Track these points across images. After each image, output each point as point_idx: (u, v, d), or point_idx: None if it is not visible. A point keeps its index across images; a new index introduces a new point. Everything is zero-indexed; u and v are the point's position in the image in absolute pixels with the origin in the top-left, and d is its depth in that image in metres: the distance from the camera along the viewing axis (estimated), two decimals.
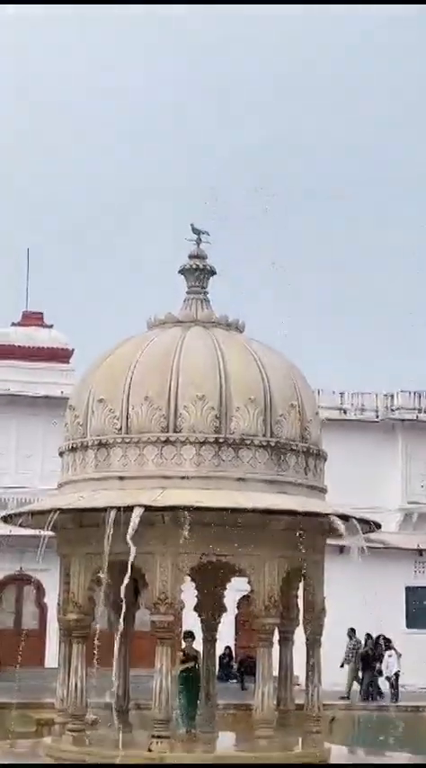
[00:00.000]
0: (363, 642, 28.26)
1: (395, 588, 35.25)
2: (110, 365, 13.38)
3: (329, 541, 13.94)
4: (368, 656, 28.18)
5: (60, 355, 37.58)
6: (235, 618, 31.60)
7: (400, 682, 28.35)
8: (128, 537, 11.73)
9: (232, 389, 12.84)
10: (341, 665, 27.65)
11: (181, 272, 14.43)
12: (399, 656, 28.32)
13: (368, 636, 28.06)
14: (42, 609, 34.11)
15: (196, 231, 14.47)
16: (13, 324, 39.02)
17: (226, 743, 14.19)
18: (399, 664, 28.20)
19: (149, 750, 12.17)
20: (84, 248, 60.43)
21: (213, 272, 14.42)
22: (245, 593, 13.29)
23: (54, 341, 38.15)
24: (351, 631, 27.52)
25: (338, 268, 61.23)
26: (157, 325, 13.92)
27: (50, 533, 13.46)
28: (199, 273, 14.35)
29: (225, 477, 12.66)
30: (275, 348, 13.84)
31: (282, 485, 12.92)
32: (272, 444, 12.90)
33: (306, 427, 13.35)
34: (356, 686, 27.95)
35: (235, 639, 32.61)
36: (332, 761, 13.27)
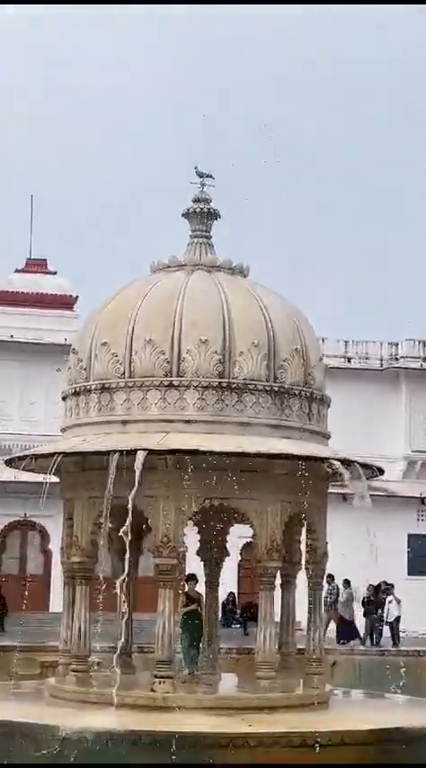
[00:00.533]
0: (340, 588, 28.26)
1: (398, 536, 35.46)
2: (113, 309, 13.34)
3: (333, 489, 13.98)
4: (370, 602, 28.39)
5: (64, 302, 37.52)
6: (238, 565, 31.84)
7: (401, 627, 28.60)
8: (136, 479, 11.75)
9: (236, 334, 12.82)
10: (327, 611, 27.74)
11: (185, 215, 14.34)
12: (398, 601, 28.51)
13: (345, 582, 27.98)
14: (47, 555, 34.34)
15: (200, 174, 14.35)
16: (17, 270, 38.92)
17: (228, 684, 14.34)
18: (399, 609, 28.41)
19: (152, 690, 12.30)
20: (87, 196, 60.21)
21: (217, 216, 14.33)
22: (248, 540, 13.35)
23: (58, 288, 38.06)
24: (329, 578, 27.53)
25: (344, 223, 61.00)
26: (161, 269, 13.86)
27: (54, 479, 13.49)
28: (202, 217, 14.25)
29: (228, 421, 12.68)
30: (279, 293, 13.77)
31: (285, 429, 12.93)
32: (276, 389, 12.90)
33: (309, 372, 13.34)
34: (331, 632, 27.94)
35: (238, 586, 32.88)
36: (333, 703, 13.39)
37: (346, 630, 27.97)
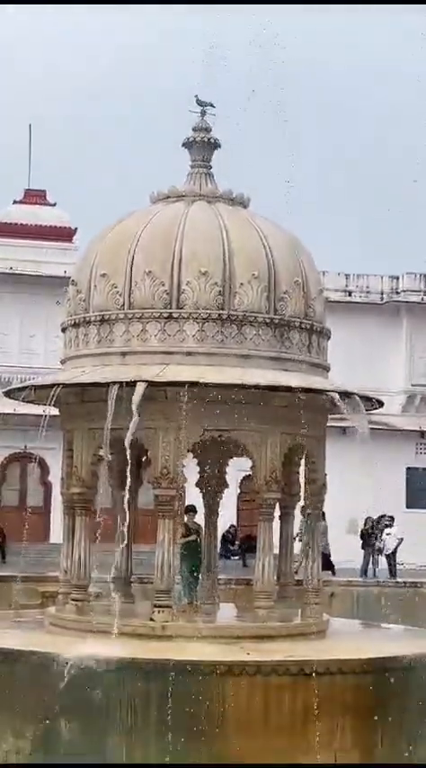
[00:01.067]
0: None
1: (397, 469, 35.75)
2: (112, 240, 13.25)
3: (332, 423, 14.03)
4: (368, 535, 28.67)
5: (63, 234, 37.29)
6: (237, 497, 32.06)
7: (398, 560, 28.91)
8: (134, 409, 11.77)
9: (236, 265, 12.76)
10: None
11: (185, 145, 14.19)
12: (400, 540, 28.75)
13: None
14: (47, 486, 34.59)
15: (200, 103, 14.18)
16: (15, 202, 38.63)
17: (226, 613, 14.52)
18: (397, 541, 28.68)
19: (151, 619, 12.45)
20: (87, 125, 59.59)
21: (217, 146, 14.17)
22: (247, 473, 13.43)
23: (57, 219, 37.80)
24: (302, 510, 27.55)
25: (345, 147, 60.38)
26: (161, 200, 13.75)
27: (54, 411, 13.52)
28: (202, 147, 14.11)
29: (228, 353, 12.67)
30: (280, 224, 13.68)
31: (285, 362, 12.94)
32: (276, 321, 12.88)
33: (310, 304, 13.30)
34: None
35: (237, 518, 33.16)
36: (330, 633, 13.57)
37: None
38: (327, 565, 28.18)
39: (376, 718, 11.42)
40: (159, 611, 12.47)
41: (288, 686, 11.03)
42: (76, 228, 37.32)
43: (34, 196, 38.77)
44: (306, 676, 11.04)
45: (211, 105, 14.23)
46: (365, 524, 28.95)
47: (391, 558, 28.68)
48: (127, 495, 13.20)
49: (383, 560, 29.00)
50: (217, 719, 10.80)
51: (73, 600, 13.24)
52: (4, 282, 35.97)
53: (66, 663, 10.90)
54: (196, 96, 14.21)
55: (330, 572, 27.87)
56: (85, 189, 52.03)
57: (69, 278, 14.12)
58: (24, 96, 56.89)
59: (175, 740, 10.58)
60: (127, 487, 12.69)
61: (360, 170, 61.34)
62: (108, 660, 10.94)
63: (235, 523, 32.71)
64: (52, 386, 12.89)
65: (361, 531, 28.91)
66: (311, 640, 12.81)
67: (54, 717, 10.87)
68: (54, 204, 38.71)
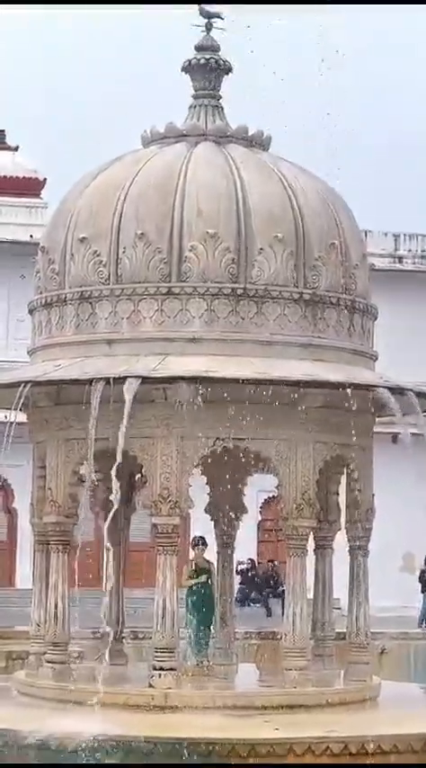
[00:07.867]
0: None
1: None
2: (94, 193, 13.33)
3: (380, 428, 14.06)
4: None
5: (29, 186, 37.43)
6: (258, 526, 32.11)
7: None
8: (125, 413, 11.81)
9: (254, 225, 12.83)
10: None
11: (186, 69, 14.27)
12: None
13: None
14: (12, 515, 34.76)
15: (206, 14, 14.16)
16: None
17: (247, 677, 14.59)
18: None
19: (150, 686, 12.51)
20: (59, 50, 59.78)
21: (228, 70, 14.25)
22: (271, 494, 13.45)
23: (20, 168, 37.94)
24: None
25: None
26: (156, 141, 13.85)
27: (21, 418, 13.57)
28: (208, 71, 14.17)
29: (244, 339, 12.75)
30: (310, 171, 13.72)
31: (319, 349, 13.00)
32: (306, 297, 12.94)
33: (351, 274, 13.36)
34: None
35: (258, 554, 33.25)
36: (381, 701, 13.61)
37: None
38: None
39: None
40: (160, 675, 12.51)
41: None
42: (45, 180, 37.45)
43: None
44: (352, 757, 11.08)
45: (219, 17, 14.20)
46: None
47: None
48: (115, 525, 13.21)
49: None
50: None
51: (48, 662, 13.31)
52: None
53: (40, 743, 10.93)
54: (200, 6, 14.18)
55: None
56: (57, 130, 52.16)
57: (37, 243, 14.18)
58: None
59: None
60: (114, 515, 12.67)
61: (407, 118, 61.58)
62: (95, 739, 10.96)
63: (254, 558, 32.78)
64: (17, 384, 12.92)
65: (421, 571, 28.95)
66: (357, 711, 12.85)
67: None
68: (16, 148, 38.83)
